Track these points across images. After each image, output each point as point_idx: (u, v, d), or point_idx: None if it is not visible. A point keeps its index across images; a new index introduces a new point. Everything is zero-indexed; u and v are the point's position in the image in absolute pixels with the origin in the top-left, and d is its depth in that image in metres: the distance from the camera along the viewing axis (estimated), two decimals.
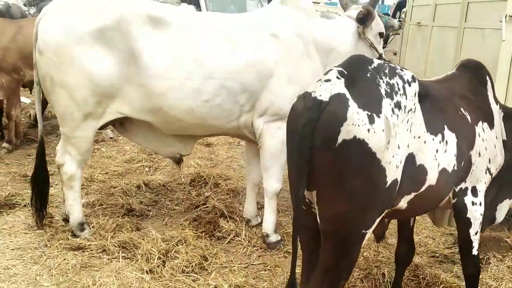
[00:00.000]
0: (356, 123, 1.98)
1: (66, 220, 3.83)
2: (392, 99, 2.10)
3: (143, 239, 3.61)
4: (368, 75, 2.12)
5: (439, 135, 2.31)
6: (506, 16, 3.66)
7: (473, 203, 2.54)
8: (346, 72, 2.11)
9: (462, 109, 2.54)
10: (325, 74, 2.17)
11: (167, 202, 4.56)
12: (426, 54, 5.49)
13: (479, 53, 4.32)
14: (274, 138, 3.57)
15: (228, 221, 4.05)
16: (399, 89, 2.14)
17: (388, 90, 2.10)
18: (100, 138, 6.37)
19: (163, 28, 3.27)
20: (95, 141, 6.15)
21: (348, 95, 2.02)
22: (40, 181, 3.63)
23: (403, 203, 2.29)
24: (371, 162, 2.02)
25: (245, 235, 3.89)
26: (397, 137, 2.09)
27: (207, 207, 4.37)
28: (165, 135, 3.67)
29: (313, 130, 1.99)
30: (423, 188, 2.30)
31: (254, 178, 4.08)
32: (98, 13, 3.17)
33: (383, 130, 2.01)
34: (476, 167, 2.55)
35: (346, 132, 1.98)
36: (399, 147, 2.10)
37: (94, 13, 3.17)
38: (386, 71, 2.17)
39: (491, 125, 2.67)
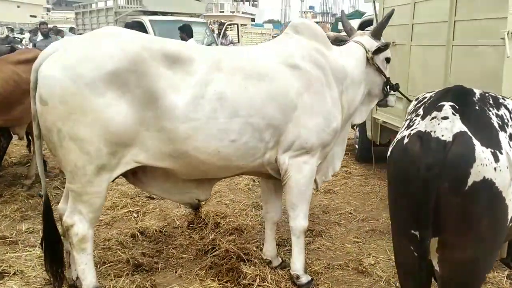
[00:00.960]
0: (484, 163, 1.86)
1: (74, 286, 3.40)
2: (505, 131, 2.00)
3: None
4: (477, 107, 2.02)
5: None
6: (508, 33, 3.75)
7: None
8: (457, 107, 1.98)
9: None
10: (437, 109, 2.02)
11: (172, 250, 4.20)
12: (406, 73, 5.56)
13: (472, 71, 4.41)
14: (301, 173, 3.40)
15: (249, 266, 3.77)
16: (508, 120, 2.04)
17: (500, 123, 2.00)
18: None
19: (182, 66, 3.01)
20: None
21: (469, 133, 1.89)
22: (53, 243, 3.19)
23: None
24: (498, 201, 1.90)
25: (272, 279, 3.64)
26: None
27: (218, 251, 4.07)
28: (182, 182, 3.37)
29: (439, 173, 1.83)
30: None
31: (273, 217, 3.87)
32: (110, 54, 2.84)
33: (507, 167, 1.89)
34: None
35: (476, 174, 1.85)
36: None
37: (105, 55, 2.83)
38: (491, 101, 2.08)
39: None
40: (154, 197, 5.51)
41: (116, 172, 3.02)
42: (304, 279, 3.54)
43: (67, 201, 3.34)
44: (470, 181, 1.87)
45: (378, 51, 3.71)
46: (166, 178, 3.34)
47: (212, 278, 3.62)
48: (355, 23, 16.69)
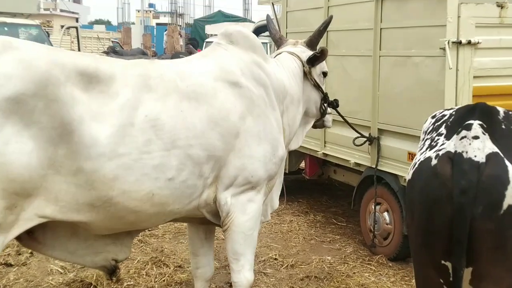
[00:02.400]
0: None
1: None
2: None
3: None
4: (504, 126, 2.31)
5: None
6: (448, 43, 4.33)
7: None
8: (485, 126, 2.25)
9: None
10: (466, 128, 2.27)
11: None
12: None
13: (405, 84, 4.97)
14: (246, 214, 3.49)
15: None
16: None
17: None
18: None
19: (103, 86, 2.92)
20: None
21: (501, 154, 2.17)
22: None
23: None
24: None
25: None
26: None
27: None
28: (93, 239, 3.24)
29: (473, 197, 2.07)
30: None
31: (205, 272, 3.93)
32: (8, 74, 2.64)
33: None
34: None
35: (511, 196, 2.11)
36: None
37: (2, 76, 2.63)
38: None
39: None
40: (12, 263, 5.14)
41: (12, 233, 2.80)
42: None
43: None
44: (505, 205, 2.19)
45: (314, 60, 3.96)
46: (72, 235, 3.19)
47: None
48: (220, 26, 17.35)
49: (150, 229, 6.08)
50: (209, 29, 18.93)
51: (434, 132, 2.61)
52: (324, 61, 4.15)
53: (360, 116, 5.49)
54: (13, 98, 2.64)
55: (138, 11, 59.06)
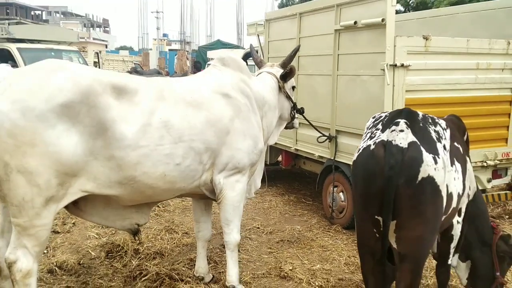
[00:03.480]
0: (428, 164, 2.44)
1: None
2: (440, 142, 2.61)
3: None
4: (421, 124, 2.59)
5: (454, 166, 2.86)
6: (387, 65, 4.57)
7: (457, 222, 3.15)
8: (408, 123, 2.52)
9: (455, 143, 3.07)
10: (395, 124, 2.53)
11: (98, 280, 4.14)
12: (294, 99, 6.22)
13: (356, 96, 5.19)
14: (234, 191, 3.69)
15: (184, 284, 3.92)
16: (442, 135, 2.66)
17: (437, 136, 2.61)
18: None
19: (129, 97, 3.13)
20: None
21: (418, 143, 2.44)
22: None
23: None
24: (437, 193, 2.49)
25: None
26: (446, 173, 2.58)
27: (148, 275, 4.13)
28: (122, 208, 3.43)
29: (398, 171, 2.34)
30: (449, 211, 2.81)
31: (205, 235, 4.10)
32: (61, 86, 2.85)
33: (442, 168, 2.48)
34: (466, 191, 3.15)
35: (423, 171, 2.43)
36: (446, 181, 2.59)
37: (56, 87, 2.84)
38: (430, 120, 2.68)
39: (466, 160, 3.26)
40: (59, 231, 5.31)
41: (63, 202, 2.99)
42: None
43: (2, 238, 3.20)
44: (419, 177, 2.46)
45: (285, 76, 4.18)
46: (106, 205, 3.36)
47: None
48: (219, 52, 17.41)
49: (163, 205, 6.30)
50: (210, 54, 19.06)
51: (374, 127, 2.86)
52: (293, 78, 4.38)
53: (323, 120, 5.68)
54: (64, 105, 2.84)
55: (155, 40, 58.98)
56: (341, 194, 5.59)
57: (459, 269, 3.51)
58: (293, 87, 4.42)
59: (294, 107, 4.37)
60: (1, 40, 10.62)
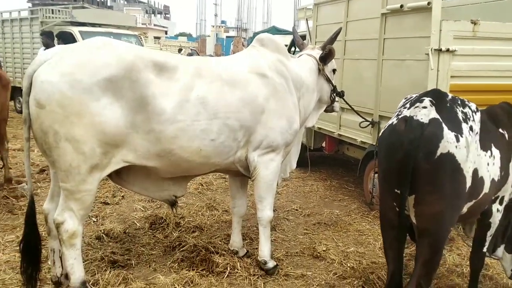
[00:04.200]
0: (449, 141, 2.46)
1: (58, 282, 3.52)
2: (467, 123, 2.62)
3: (155, 287, 3.51)
4: (448, 104, 2.62)
5: (489, 151, 2.84)
6: (431, 49, 4.50)
7: (497, 210, 3.12)
8: (434, 101, 2.56)
9: (500, 129, 3.06)
10: (420, 101, 2.58)
11: (140, 248, 4.41)
12: (339, 84, 6.22)
13: (400, 81, 5.14)
14: (268, 169, 3.81)
15: (219, 256, 4.11)
16: (470, 116, 2.67)
17: (464, 117, 2.62)
18: (19, 194, 5.78)
19: (169, 74, 3.31)
20: (15, 197, 5.62)
21: (440, 120, 2.47)
22: (33, 246, 3.30)
23: (465, 209, 2.77)
24: (458, 171, 2.49)
25: (241, 266, 4.01)
26: (470, 153, 2.59)
27: (186, 246, 4.36)
28: (161, 180, 3.64)
29: (417, 146, 2.39)
30: (480, 196, 2.80)
31: (240, 211, 4.25)
32: (106, 62, 3.08)
33: (465, 147, 2.50)
34: (509, 179, 3.09)
35: (443, 148, 2.47)
36: (471, 162, 2.60)
37: (102, 62, 3.07)
38: (459, 102, 2.70)
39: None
40: (109, 202, 5.67)
41: (106, 171, 3.24)
42: (271, 264, 3.96)
43: (52, 201, 3.49)
44: (438, 153, 2.50)
45: (324, 58, 4.22)
46: (146, 177, 3.59)
47: (187, 268, 3.91)
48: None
49: (207, 183, 6.54)
50: None
51: (402, 107, 2.90)
52: (334, 61, 4.41)
53: (366, 105, 5.67)
54: (109, 79, 3.07)
55: (213, 26, 59.72)
56: None
57: (504, 260, 3.47)
58: (334, 70, 4.45)
59: (334, 90, 4.40)
60: (65, 23, 11.25)
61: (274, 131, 3.75)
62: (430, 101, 2.65)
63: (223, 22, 70.79)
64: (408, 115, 2.63)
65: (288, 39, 10.03)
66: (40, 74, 3.01)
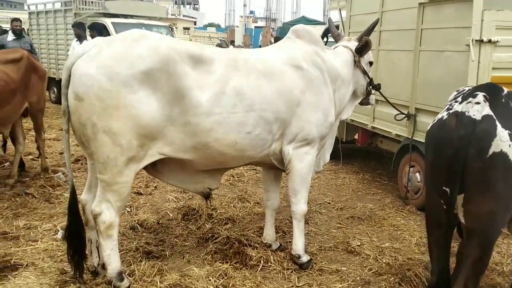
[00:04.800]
0: (502, 139, 2.37)
1: (95, 272, 3.58)
2: None
3: (189, 279, 3.53)
4: (503, 100, 2.52)
5: None
6: (472, 40, 4.35)
7: None
8: (488, 97, 2.46)
9: None
10: (473, 96, 2.49)
11: (174, 239, 4.44)
12: (374, 75, 6.10)
13: (438, 73, 4.99)
14: (303, 162, 3.76)
15: (252, 249, 4.10)
16: None
17: None
18: (55, 183, 5.91)
19: (205, 66, 3.29)
20: (52, 187, 5.74)
21: (494, 117, 2.38)
22: (77, 234, 3.36)
23: None
24: (511, 171, 2.38)
25: (274, 260, 3.99)
26: None
27: (219, 238, 4.36)
28: (196, 172, 3.64)
29: (468, 143, 2.31)
30: None
31: (273, 204, 4.22)
32: (143, 54, 3.08)
33: None
34: None
35: (495, 146, 2.38)
36: None
37: (139, 55, 3.07)
38: None
39: None
40: (142, 193, 5.73)
41: (143, 163, 3.25)
42: (305, 258, 3.92)
43: (89, 192, 3.54)
44: (491, 151, 2.41)
45: (360, 49, 4.12)
46: (181, 169, 3.60)
47: (221, 261, 3.91)
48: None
49: (238, 175, 6.54)
50: None
51: (453, 100, 2.80)
52: (370, 53, 4.31)
53: (401, 97, 5.54)
54: (146, 72, 3.07)
55: (241, 17, 59.67)
56: (417, 174, 5.44)
57: None
58: (371, 63, 4.35)
59: (370, 82, 4.30)
60: (98, 14, 11.40)
61: (309, 124, 3.70)
62: (484, 96, 2.55)
63: (251, 12, 70.66)
64: (459, 110, 2.53)
65: (318, 29, 9.93)
66: (78, 67, 3.03)
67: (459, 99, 2.72)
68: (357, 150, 7.99)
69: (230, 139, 3.37)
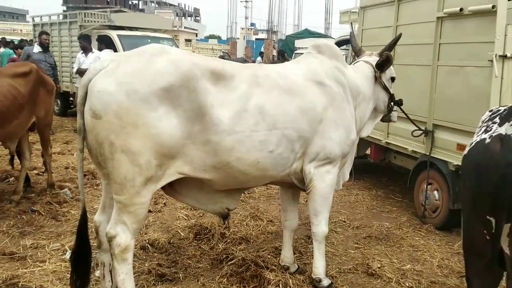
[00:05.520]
0: None
1: None
2: None
3: None
4: None
5: None
6: (496, 56, 4.23)
7: None
8: None
9: None
10: None
11: (186, 260, 4.27)
12: None
13: (457, 88, 4.87)
14: (324, 182, 3.63)
15: (270, 272, 3.93)
16: None
17: None
18: (61, 199, 5.75)
19: (226, 82, 3.16)
20: (58, 203, 5.59)
21: None
22: (83, 258, 3.20)
23: None
24: None
25: (293, 284, 3.82)
26: None
27: (234, 260, 4.20)
28: (213, 192, 3.50)
29: None
30: None
31: (292, 224, 4.08)
32: (163, 70, 2.95)
33: None
34: None
35: None
36: None
37: (159, 71, 2.94)
38: None
39: None
40: (151, 210, 5.56)
41: (161, 183, 3.10)
42: (326, 282, 3.76)
43: (103, 213, 3.39)
44: None
45: (381, 65, 4.01)
46: (199, 189, 3.44)
47: (237, 285, 3.75)
48: (307, 41, 17.22)
49: (249, 191, 6.38)
50: (298, 43, 19.12)
51: (490, 121, 2.63)
52: (392, 68, 4.19)
53: (418, 113, 5.42)
54: (166, 88, 2.93)
55: (242, 29, 59.87)
56: (435, 192, 5.30)
57: None
58: (393, 78, 4.23)
59: (391, 98, 4.18)
60: (103, 27, 11.32)
61: (331, 142, 3.57)
62: None
63: (252, 24, 70.93)
64: (503, 133, 2.37)
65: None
66: (96, 83, 2.90)
67: (497, 119, 2.57)
68: (366, 165, 7.84)
69: (252, 158, 3.23)
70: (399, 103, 4.23)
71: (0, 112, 4.90)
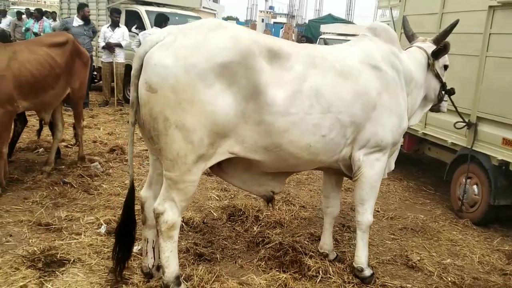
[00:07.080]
0: None
1: (149, 274, 3.38)
2: None
3: None
4: None
5: None
6: None
7: None
8: None
9: None
10: None
11: (222, 241, 4.22)
12: None
13: (505, 80, 4.70)
14: (373, 169, 3.52)
15: (309, 258, 3.87)
16: None
17: None
18: (92, 172, 5.72)
19: (282, 61, 3.05)
20: (89, 176, 5.56)
21: None
22: (128, 233, 3.16)
23: None
24: None
25: (333, 271, 3.75)
26: None
27: (271, 243, 4.14)
28: (260, 174, 3.41)
29: None
30: None
31: (333, 211, 3.99)
32: (222, 46, 2.84)
33: None
34: None
35: None
36: None
37: (217, 46, 2.83)
38: None
39: None
40: None
41: (211, 161, 3.01)
42: (367, 272, 3.68)
43: (150, 189, 3.33)
44: None
45: (437, 53, 3.87)
46: (246, 170, 3.36)
47: (277, 269, 3.68)
48: (331, 26, 16.94)
49: None
50: (322, 28, 18.89)
51: None
52: (447, 56, 4.05)
53: (461, 105, 5.23)
54: (224, 64, 2.82)
55: (261, 11, 59.32)
56: (474, 186, 5.17)
57: None
58: (446, 66, 4.08)
59: (443, 87, 4.04)
60: (131, 2, 11.20)
61: (384, 129, 3.45)
62: None
63: (271, 8, 70.22)
64: None
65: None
66: (153, 56, 2.80)
67: None
68: (398, 156, 7.68)
69: (305, 141, 3.13)
70: (451, 91, 4.09)
71: (37, 81, 4.85)
